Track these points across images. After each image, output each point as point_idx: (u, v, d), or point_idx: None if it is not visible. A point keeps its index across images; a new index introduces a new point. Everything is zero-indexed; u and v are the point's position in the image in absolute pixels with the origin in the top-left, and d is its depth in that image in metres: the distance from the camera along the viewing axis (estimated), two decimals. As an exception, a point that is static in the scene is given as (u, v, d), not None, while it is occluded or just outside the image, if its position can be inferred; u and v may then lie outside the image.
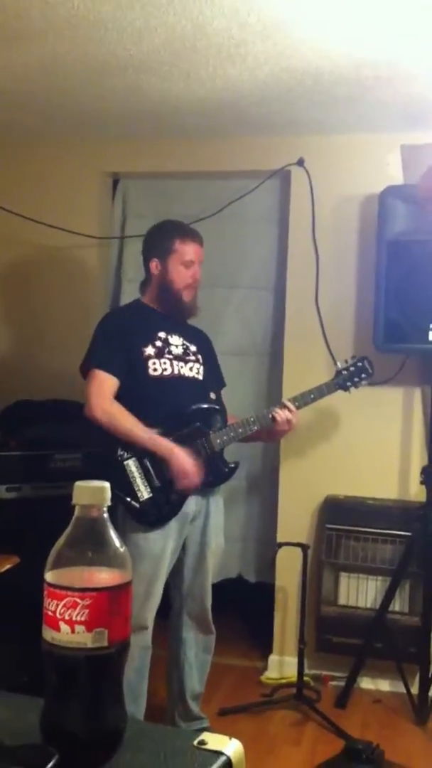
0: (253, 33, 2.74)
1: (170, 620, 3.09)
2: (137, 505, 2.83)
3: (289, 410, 3.04)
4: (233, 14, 2.59)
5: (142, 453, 2.85)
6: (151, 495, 2.85)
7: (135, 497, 2.84)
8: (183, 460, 2.85)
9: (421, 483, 3.50)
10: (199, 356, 3.07)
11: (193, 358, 3.04)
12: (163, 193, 4.09)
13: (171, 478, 2.87)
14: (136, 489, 2.84)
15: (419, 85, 3.17)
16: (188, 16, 2.62)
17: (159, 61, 3.02)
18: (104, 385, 2.87)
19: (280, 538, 3.80)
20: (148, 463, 2.86)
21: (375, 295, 3.54)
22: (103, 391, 2.86)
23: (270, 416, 3.04)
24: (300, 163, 3.82)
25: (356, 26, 2.67)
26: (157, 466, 2.86)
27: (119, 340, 2.94)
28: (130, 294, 3.65)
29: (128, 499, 2.82)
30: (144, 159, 4.04)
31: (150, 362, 2.92)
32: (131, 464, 2.85)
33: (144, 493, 2.84)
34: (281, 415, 3.02)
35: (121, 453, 2.85)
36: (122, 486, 2.80)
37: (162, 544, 2.86)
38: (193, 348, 3.06)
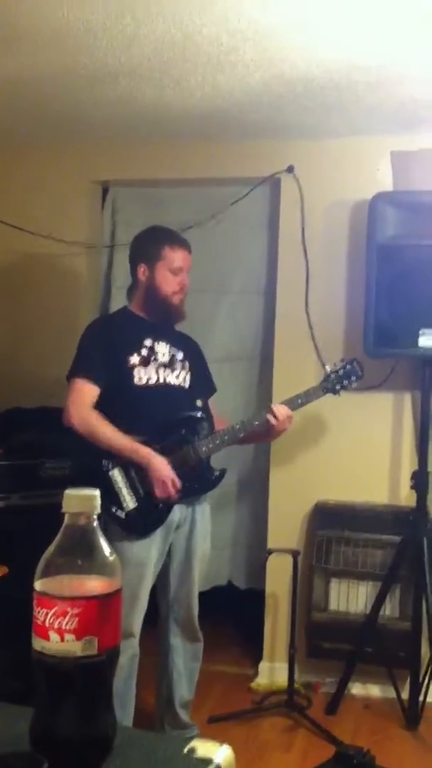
0: (242, 40, 2.74)
1: (158, 627, 3.09)
2: (123, 515, 2.82)
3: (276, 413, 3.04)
4: (222, 21, 2.60)
5: (127, 462, 2.85)
6: (136, 505, 2.84)
7: (121, 507, 2.83)
8: (161, 468, 2.84)
9: (412, 488, 3.51)
10: (187, 363, 3.06)
11: (180, 365, 3.03)
12: (152, 201, 4.09)
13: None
14: (122, 499, 2.83)
15: (409, 91, 3.19)
16: (178, 24, 2.63)
17: (149, 69, 3.02)
18: (83, 393, 2.86)
19: (271, 544, 3.80)
20: (133, 473, 2.85)
21: (365, 300, 3.54)
22: (81, 400, 2.85)
23: (256, 422, 3.03)
24: (289, 170, 3.83)
25: (346, 32, 2.68)
26: (142, 475, 2.85)
27: (103, 348, 2.94)
28: (119, 301, 3.65)
29: (114, 509, 2.81)
30: (133, 166, 4.05)
31: (135, 371, 2.91)
32: (116, 474, 2.84)
33: (130, 503, 2.84)
34: (280, 411, 3.01)
35: (106, 463, 2.84)
36: (108, 496, 2.79)
37: (146, 551, 2.85)
38: (180, 355, 3.05)
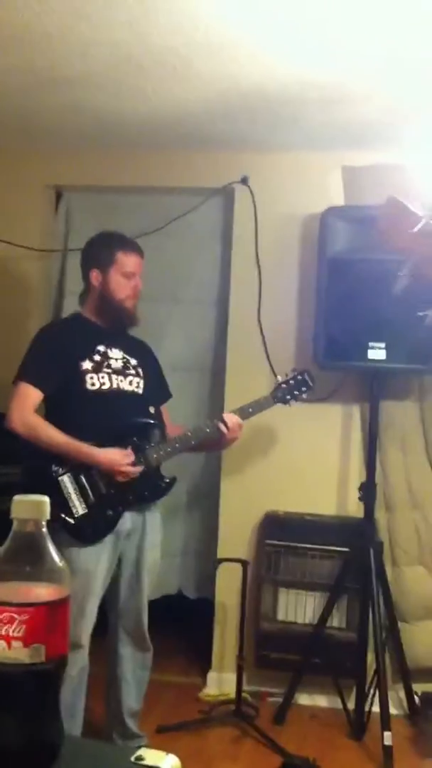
0: (199, 52, 2.76)
1: (106, 637, 3.06)
2: (72, 521, 2.80)
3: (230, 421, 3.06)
4: (180, 32, 2.62)
5: (78, 468, 2.83)
6: (86, 511, 2.82)
7: (70, 513, 2.81)
8: (106, 454, 2.83)
9: (360, 499, 3.54)
10: (140, 370, 3.05)
11: (133, 372, 3.02)
12: (106, 207, 4.08)
13: (107, 494, 2.85)
14: (71, 505, 2.81)
15: (360, 109, 3.24)
16: (135, 33, 2.63)
17: (105, 77, 3.02)
18: (26, 397, 2.84)
19: (221, 554, 3.80)
20: (83, 479, 2.83)
21: (316, 312, 3.59)
22: (24, 404, 2.83)
23: (207, 430, 3.04)
24: (244, 181, 3.86)
25: (301, 49, 2.71)
26: (93, 481, 2.84)
27: (52, 353, 2.92)
28: (71, 307, 3.62)
29: (63, 515, 2.79)
30: (88, 172, 4.03)
31: (87, 376, 2.90)
32: (65, 480, 2.82)
33: (79, 509, 2.82)
34: (230, 420, 3.04)
35: (56, 468, 2.82)
36: (57, 502, 2.76)
37: (95, 560, 2.83)
38: (133, 361, 3.04)
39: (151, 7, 2.45)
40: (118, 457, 2.85)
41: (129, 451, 2.87)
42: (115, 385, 2.94)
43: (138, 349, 3.10)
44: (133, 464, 2.87)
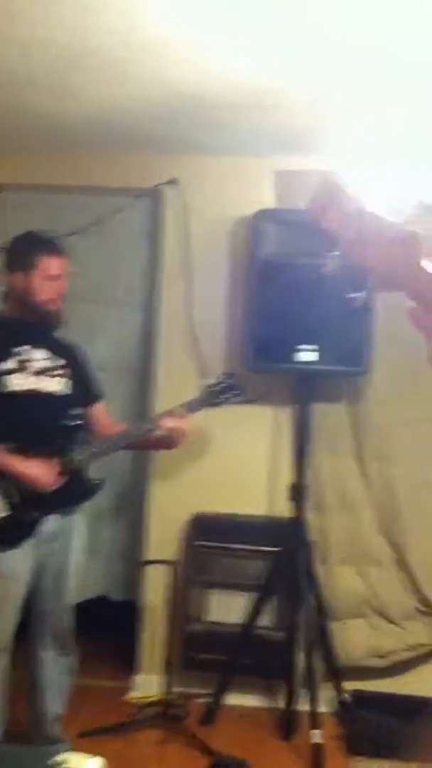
0: (135, 52, 2.75)
1: (28, 641, 3.01)
2: None
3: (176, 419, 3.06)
4: (116, 33, 2.60)
5: None
6: (7, 514, 2.77)
7: None
8: (27, 469, 2.78)
9: (289, 499, 3.57)
10: (68, 371, 3.01)
11: (60, 372, 2.97)
12: (36, 206, 4.01)
13: (30, 496, 2.79)
14: None
15: (295, 113, 3.27)
16: (74, 34, 2.62)
17: (43, 78, 2.99)
18: None
19: (149, 555, 3.79)
20: (4, 481, 2.78)
21: (246, 314, 3.60)
22: None
23: (137, 433, 3.05)
24: (172, 182, 3.86)
25: (236, 51, 2.72)
26: (15, 483, 2.77)
27: None
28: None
29: None
30: (19, 171, 3.97)
31: (6, 377, 2.83)
32: None
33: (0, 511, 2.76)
34: (168, 423, 3.04)
35: None
36: None
37: (16, 563, 2.78)
38: (60, 362, 2.99)
39: (90, 8, 2.44)
40: (36, 472, 2.79)
41: (52, 465, 2.83)
42: (36, 387, 2.88)
43: (65, 350, 3.05)
44: (56, 477, 2.82)
